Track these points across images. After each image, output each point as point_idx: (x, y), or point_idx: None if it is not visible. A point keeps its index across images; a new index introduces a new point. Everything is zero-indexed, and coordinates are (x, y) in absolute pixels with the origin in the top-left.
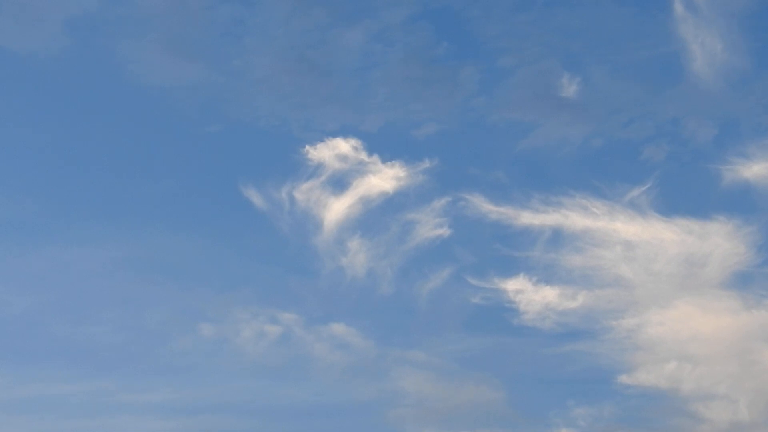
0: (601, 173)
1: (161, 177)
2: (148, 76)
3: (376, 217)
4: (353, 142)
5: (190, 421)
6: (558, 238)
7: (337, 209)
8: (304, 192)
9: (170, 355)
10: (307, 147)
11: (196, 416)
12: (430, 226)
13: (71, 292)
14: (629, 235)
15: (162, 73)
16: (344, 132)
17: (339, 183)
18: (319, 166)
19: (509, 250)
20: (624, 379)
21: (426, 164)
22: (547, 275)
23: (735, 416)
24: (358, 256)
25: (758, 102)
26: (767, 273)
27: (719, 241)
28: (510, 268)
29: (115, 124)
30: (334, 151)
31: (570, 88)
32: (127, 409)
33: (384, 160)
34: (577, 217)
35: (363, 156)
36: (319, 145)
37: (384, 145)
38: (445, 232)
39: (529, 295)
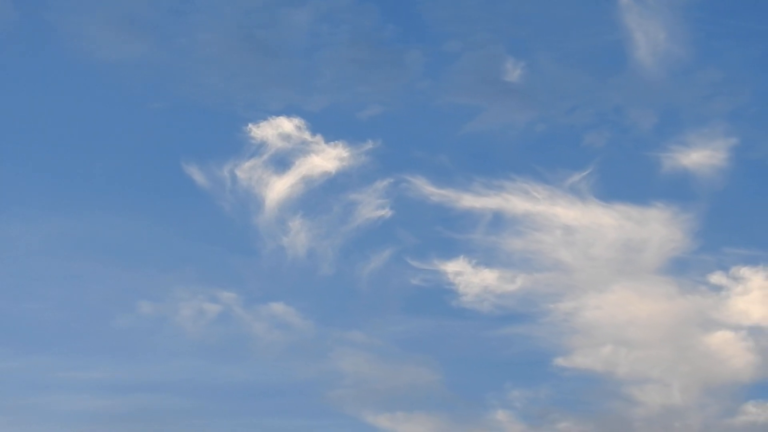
0: (543, 158)
1: (104, 153)
2: (92, 52)
3: (318, 198)
4: (297, 121)
5: (128, 398)
6: (499, 221)
7: (279, 189)
8: (246, 171)
9: (110, 333)
10: (250, 125)
11: (134, 394)
12: (371, 207)
13: (11, 269)
14: (569, 220)
15: (107, 49)
16: (288, 111)
17: (281, 162)
18: (262, 145)
19: (450, 233)
20: (560, 362)
21: (369, 145)
22: (486, 258)
23: (668, 400)
24: (299, 236)
25: (699, 92)
26: (703, 259)
27: (657, 228)
28: (450, 251)
29: (58, 99)
30: (278, 130)
31: (515, 73)
32: (65, 387)
33: (327, 140)
34: (518, 200)
35: (306, 135)
36: (263, 124)
37: (328, 126)
38: (386, 213)
39: (469, 277)
